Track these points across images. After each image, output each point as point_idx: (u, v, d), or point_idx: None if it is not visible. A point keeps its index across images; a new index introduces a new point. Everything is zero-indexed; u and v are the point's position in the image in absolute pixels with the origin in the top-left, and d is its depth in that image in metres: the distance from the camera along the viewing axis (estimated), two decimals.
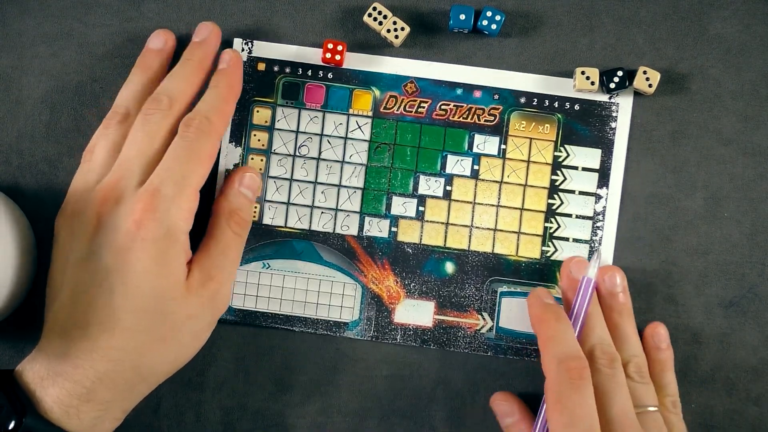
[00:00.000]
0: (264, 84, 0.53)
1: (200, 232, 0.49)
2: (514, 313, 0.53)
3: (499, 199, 0.53)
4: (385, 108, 0.54)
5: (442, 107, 0.53)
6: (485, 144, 0.53)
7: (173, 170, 0.46)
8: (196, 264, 0.48)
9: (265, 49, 0.53)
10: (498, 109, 0.53)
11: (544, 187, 0.54)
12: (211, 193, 0.53)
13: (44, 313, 0.47)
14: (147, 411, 0.53)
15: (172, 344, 0.46)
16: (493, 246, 0.53)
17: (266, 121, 0.54)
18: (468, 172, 0.54)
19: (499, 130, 0.53)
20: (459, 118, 0.53)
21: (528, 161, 0.54)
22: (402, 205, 0.54)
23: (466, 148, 0.54)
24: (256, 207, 0.53)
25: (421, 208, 0.54)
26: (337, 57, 0.52)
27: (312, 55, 0.54)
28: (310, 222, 0.54)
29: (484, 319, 0.53)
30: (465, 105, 0.53)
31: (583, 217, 0.53)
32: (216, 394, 0.53)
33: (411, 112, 0.54)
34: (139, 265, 0.45)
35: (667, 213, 0.53)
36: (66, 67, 0.54)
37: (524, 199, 0.54)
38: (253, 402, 0.53)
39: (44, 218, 0.53)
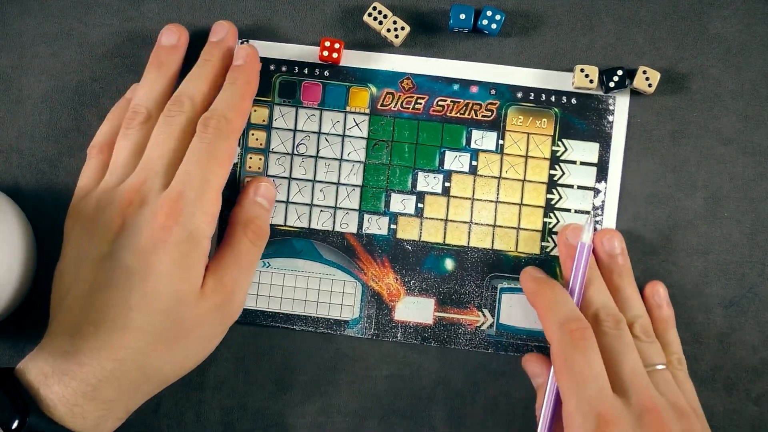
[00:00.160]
0: (261, 83, 0.53)
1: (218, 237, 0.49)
2: (515, 309, 0.53)
3: (497, 194, 0.54)
4: (382, 105, 0.54)
5: (439, 103, 0.54)
6: (483, 139, 0.54)
7: (194, 174, 0.46)
8: (210, 271, 0.48)
9: (261, 48, 0.53)
10: (495, 104, 0.53)
11: (543, 182, 0.54)
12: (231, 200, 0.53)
13: (51, 310, 0.47)
14: (147, 411, 0.53)
15: (180, 347, 0.46)
16: (493, 242, 0.53)
17: (264, 120, 0.54)
18: (466, 168, 0.54)
19: (497, 126, 0.54)
20: (456, 113, 0.53)
21: (526, 156, 0.54)
22: (401, 202, 0.54)
23: (464, 143, 0.54)
24: None
25: (420, 205, 0.54)
26: (335, 55, 0.52)
27: (308, 53, 0.54)
28: (310, 220, 0.54)
29: (484, 315, 0.53)
30: (462, 101, 0.53)
31: (582, 212, 0.53)
32: (216, 394, 0.53)
33: (408, 108, 0.54)
34: (160, 268, 0.45)
35: (667, 213, 0.53)
36: (66, 67, 0.54)
37: (523, 195, 0.54)
38: (253, 402, 0.53)
39: (44, 218, 0.53)
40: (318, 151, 0.54)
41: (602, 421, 0.43)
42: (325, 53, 0.52)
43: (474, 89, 0.54)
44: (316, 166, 0.54)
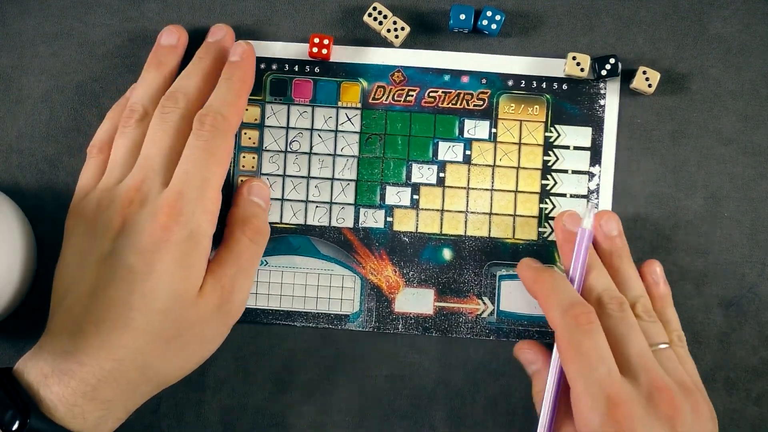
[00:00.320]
0: None
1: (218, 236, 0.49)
2: (515, 295, 0.53)
3: (492, 182, 0.54)
4: (373, 99, 0.54)
5: (431, 94, 0.54)
6: (476, 129, 0.54)
7: (194, 173, 0.47)
8: (209, 271, 0.48)
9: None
10: (486, 93, 0.54)
11: (537, 169, 0.54)
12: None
13: (50, 309, 0.47)
14: (147, 411, 0.53)
15: (179, 348, 0.46)
16: (490, 230, 0.54)
17: (256, 119, 0.54)
18: (460, 158, 0.54)
19: (489, 114, 0.54)
20: (448, 104, 0.54)
21: (519, 143, 0.54)
22: (396, 195, 0.54)
23: (457, 133, 0.54)
24: None
25: (415, 197, 0.54)
26: (324, 51, 0.52)
27: (298, 50, 0.54)
28: (306, 217, 0.54)
29: (484, 303, 0.53)
30: (453, 91, 0.54)
31: (578, 196, 0.53)
32: (216, 394, 0.53)
33: (400, 101, 0.54)
34: (162, 267, 0.45)
35: (667, 213, 0.53)
36: (66, 66, 0.54)
37: (518, 182, 0.54)
38: (253, 402, 0.53)
39: (44, 218, 0.53)
40: (311, 148, 0.54)
41: (612, 403, 0.43)
42: (315, 50, 0.52)
43: (465, 79, 0.54)
44: (310, 162, 0.54)
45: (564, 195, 0.53)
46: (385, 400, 0.53)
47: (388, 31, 0.53)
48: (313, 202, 0.54)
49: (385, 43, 0.54)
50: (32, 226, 0.53)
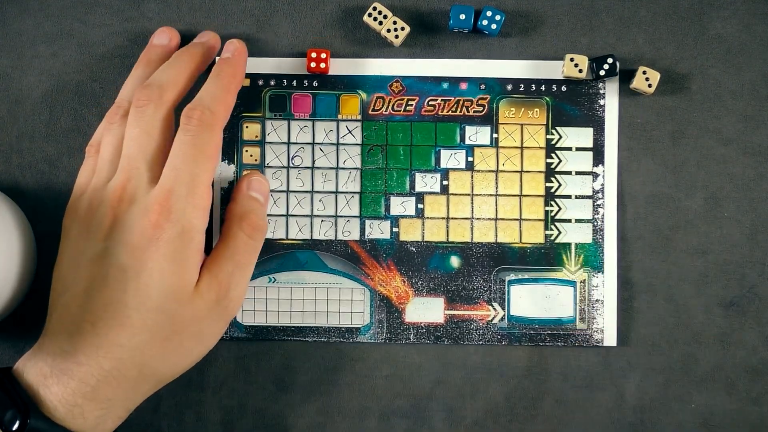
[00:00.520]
0: (251, 99, 0.53)
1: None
2: (525, 300, 0.53)
3: (496, 188, 0.54)
4: (373, 110, 0.54)
5: (430, 103, 0.54)
6: (477, 135, 0.54)
7: (182, 169, 0.46)
8: (205, 267, 0.47)
9: (249, 64, 0.53)
10: (486, 98, 0.54)
11: (541, 171, 0.54)
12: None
13: (48, 309, 0.47)
14: (147, 411, 0.53)
15: (176, 345, 0.46)
16: (496, 235, 0.54)
17: (256, 136, 0.54)
18: (463, 165, 0.54)
19: (490, 120, 0.54)
20: (448, 111, 0.54)
21: (521, 147, 0.54)
22: (401, 205, 0.54)
23: (459, 140, 0.54)
24: None
25: (420, 206, 0.54)
26: (322, 65, 0.52)
27: (296, 65, 0.54)
28: (311, 231, 0.54)
29: (494, 309, 0.53)
30: (452, 98, 0.54)
31: (583, 197, 0.53)
32: (216, 394, 0.53)
33: (399, 111, 0.54)
34: (154, 265, 0.45)
35: (667, 213, 0.53)
36: (66, 67, 0.54)
37: (522, 186, 0.54)
38: (253, 402, 0.53)
39: (44, 218, 0.53)
40: (314, 162, 0.54)
41: None
42: (313, 64, 0.52)
43: (463, 86, 0.54)
44: (313, 176, 0.54)
45: (569, 197, 0.53)
46: (385, 400, 0.53)
47: (388, 31, 0.53)
48: (318, 216, 0.54)
49: (384, 47, 0.54)
50: (32, 226, 0.53)
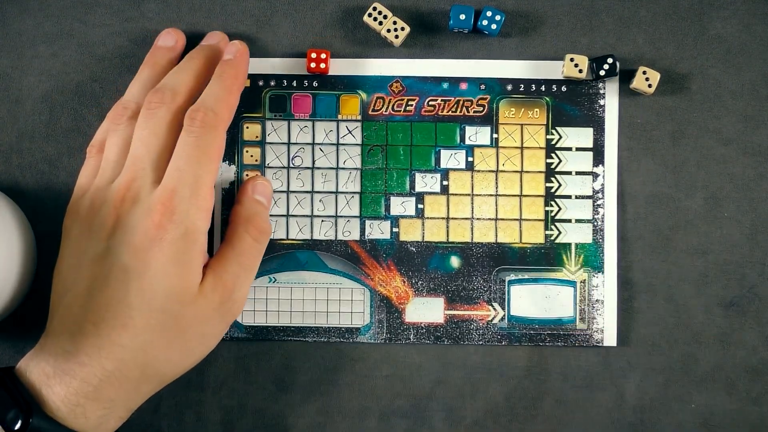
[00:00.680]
0: (251, 100, 0.53)
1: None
2: (525, 300, 0.53)
3: (496, 188, 0.54)
4: (373, 110, 0.54)
5: (430, 103, 0.54)
6: (477, 135, 0.54)
7: (186, 170, 0.46)
8: (210, 268, 0.48)
9: (249, 65, 0.53)
10: (486, 98, 0.54)
11: (541, 172, 0.54)
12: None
13: (50, 310, 0.47)
14: (147, 411, 0.53)
15: (179, 345, 0.46)
16: (496, 235, 0.54)
17: (257, 137, 0.54)
18: (463, 165, 0.54)
19: (490, 120, 0.54)
20: (448, 112, 0.54)
21: (521, 147, 0.54)
22: (401, 205, 0.54)
23: (459, 141, 0.54)
24: None
25: (420, 206, 0.54)
26: (322, 65, 0.52)
27: (295, 65, 0.54)
28: (312, 231, 0.54)
29: (494, 309, 0.53)
30: (452, 98, 0.54)
31: (583, 197, 0.53)
32: (216, 394, 0.53)
33: (399, 111, 0.54)
34: (156, 266, 0.45)
35: (667, 213, 0.53)
36: (66, 67, 0.54)
37: (522, 186, 0.54)
38: (253, 402, 0.53)
39: (44, 218, 0.53)
40: (314, 162, 0.54)
41: None
42: (313, 65, 0.52)
43: (463, 86, 0.54)
44: (313, 177, 0.54)
45: (569, 197, 0.53)
46: (385, 400, 0.53)
47: (388, 31, 0.53)
48: (318, 216, 0.54)
49: (384, 48, 0.54)
50: (32, 226, 0.53)
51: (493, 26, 0.52)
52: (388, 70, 0.54)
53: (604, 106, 0.53)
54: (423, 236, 0.54)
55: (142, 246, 0.45)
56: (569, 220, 0.53)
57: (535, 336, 0.53)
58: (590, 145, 0.54)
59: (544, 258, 0.53)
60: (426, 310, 0.53)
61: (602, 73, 0.52)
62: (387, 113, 0.54)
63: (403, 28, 0.53)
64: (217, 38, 0.53)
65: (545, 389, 0.53)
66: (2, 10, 0.54)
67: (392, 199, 0.54)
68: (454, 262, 0.54)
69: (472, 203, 0.54)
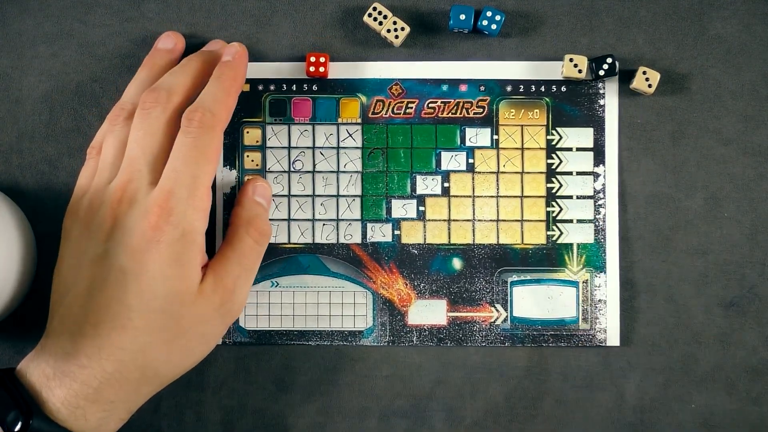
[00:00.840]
0: (251, 104, 0.54)
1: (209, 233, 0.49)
2: (527, 301, 0.53)
3: (497, 189, 0.54)
4: (373, 113, 0.54)
5: (430, 105, 0.54)
6: (477, 136, 0.54)
7: (183, 171, 0.46)
8: (211, 269, 0.47)
9: (249, 69, 0.53)
10: (485, 100, 0.54)
11: (542, 172, 0.54)
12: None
13: (50, 310, 0.47)
14: (147, 411, 0.53)
15: (179, 347, 0.46)
16: (498, 237, 0.54)
17: (257, 141, 0.54)
18: (463, 167, 0.54)
19: (490, 121, 0.54)
20: (448, 113, 0.54)
21: (522, 148, 0.54)
22: (402, 207, 0.54)
23: (459, 142, 0.54)
24: None
25: (421, 208, 0.54)
26: (322, 69, 0.52)
27: (295, 69, 0.54)
28: (313, 235, 0.54)
29: (497, 310, 0.53)
30: (452, 100, 0.54)
31: (584, 197, 0.53)
32: (216, 394, 0.53)
33: (399, 113, 0.54)
34: (154, 267, 0.45)
35: (667, 213, 0.53)
36: (66, 67, 0.54)
37: (523, 187, 0.54)
38: (253, 402, 0.53)
39: (44, 218, 0.53)
40: (314, 166, 0.54)
41: None
42: (312, 68, 0.52)
43: (463, 88, 0.54)
44: (314, 180, 0.54)
45: (570, 197, 0.53)
46: (385, 400, 0.53)
47: (388, 31, 0.53)
48: (319, 220, 0.54)
49: (384, 48, 0.54)
50: (32, 226, 0.53)
51: (493, 26, 0.52)
52: (387, 72, 0.54)
53: (604, 106, 0.53)
54: (425, 238, 0.54)
55: (140, 247, 0.45)
56: (571, 221, 0.53)
57: (538, 337, 0.53)
58: (591, 145, 0.54)
59: (546, 259, 0.53)
60: (429, 312, 0.53)
61: (601, 73, 0.52)
62: (387, 116, 0.54)
63: (403, 28, 0.53)
64: (218, 46, 0.53)
65: (545, 389, 0.53)
66: (2, 10, 0.54)
67: (393, 201, 0.54)
68: (456, 264, 0.54)
69: (474, 205, 0.54)
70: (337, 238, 0.54)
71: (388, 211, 0.54)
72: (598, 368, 0.53)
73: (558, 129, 0.54)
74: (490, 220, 0.54)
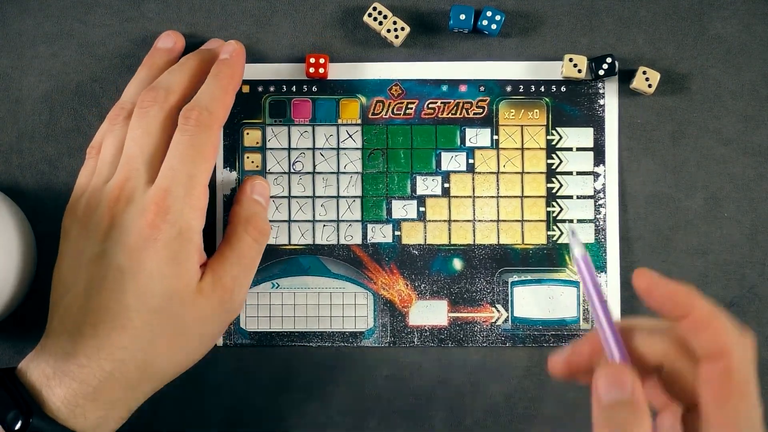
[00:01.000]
0: (250, 105, 0.54)
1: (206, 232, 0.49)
2: (528, 301, 0.53)
3: (498, 189, 0.54)
4: (373, 114, 0.54)
5: (430, 106, 0.54)
6: (477, 137, 0.54)
7: (179, 170, 0.46)
8: (210, 268, 0.47)
9: (248, 70, 0.53)
10: (485, 100, 0.54)
11: (542, 172, 0.54)
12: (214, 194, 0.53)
13: (50, 310, 0.47)
14: (147, 411, 0.53)
15: (178, 346, 0.46)
16: (498, 237, 0.54)
17: (257, 142, 0.54)
18: (464, 167, 0.54)
19: (490, 121, 0.54)
20: (448, 114, 0.54)
21: (522, 148, 0.54)
22: (402, 208, 0.54)
23: (459, 143, 0.54)
24: None
25: (421, 209, 0.54)
26: (321, 70, 0.53)
27: (295, 70, 0.54)
28: (314, 236, 0.54)
29: (498, 311, 0.53)
30: (452, 101, 0.54)
31: (584, 197, 0.53)
32: (216, 394, 0.53)
33: (399, 114, 0.54)
34: (152, 266, 0.45)
35: (667, 213, 0.53)
36: (66, 67, 0.54)
37: (523, 187, 0.54)
38: (253, 402, 0.53)
39: (44, 218, 0.53)
40: (314, 167, 0.54)
41: None
42: (312, 70, 0.53)
43: (463, 88, 0.54)
44: (314, 181, 0.54)
45: (570, 197, 0.54)
46: (385, 400, 0.53)
47: (388, 31, 0.53)
48: (320, 221, 0.54)
49: (384, 48, 0.54)
50: (32, 226, 0.53)
51: (493, 26, 0.52)
52: (387, 73, 0.54)
53: (604, 106, 0.53)
54: (425, 239, 0.54)
55: (137, 246, 0.45)
56: (571, 221, 0.53)
57: (539, 337, 0.53)
58: (591, 145, 0.54)
59: (547, 259, 0.53)
60: (429, 313, 0.53)
61: (601, 72, 0.52)
62: (387, 117, 0.54)
63: (403, 28, 0.53)
64: (216, 45, 0.53)
65: (545, 389, 0.53)
66: (2, 10, 0.54)
67: (394, 202, 0.54)
68: (457, 264, 0.54)
69: (474, 205, 0.54)
70: (338, 239, 0.54)
71: (389, 211, 0.54)
72: None
73: (558, 129, 0.54)
74: (491, 221, 0.54)
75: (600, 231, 0.53)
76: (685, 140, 0.54)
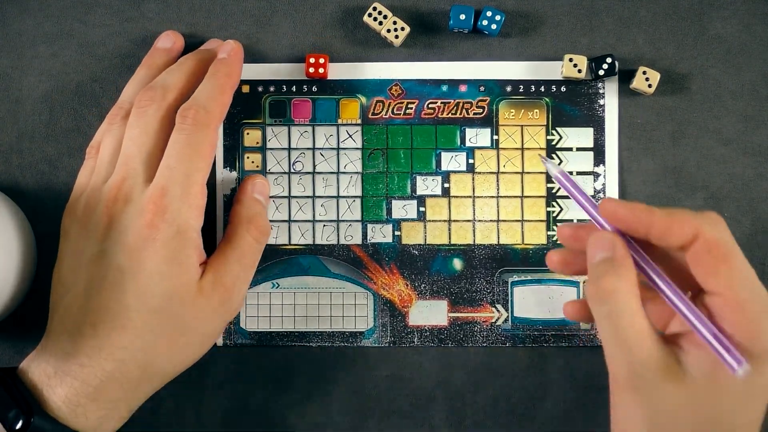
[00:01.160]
0: (250, 105, 0.54)
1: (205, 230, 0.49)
2: (528, 301, 0.53)
3: (498, 189, 0.54)
4: (373, 114, 0.54)
5: (430, 106, 0.54)
6: (477, 137, 0.54)
7: (177, 169, 0.46)
8: (210, 267, 0.47)
9: (248, 71, 0.53)
10: (485, 100, 0.54)
11: (542, 172, 0.54)
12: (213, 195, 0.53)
13: (50, 310, 0.47)
14: (147, 411, 0.53)
15: (179, 345, 0.46)
16: (498, 237, 0.54)
17: (257, 142, 0.54)
18: (464, 167, 0.54)
19: (490, 122, 0.54)
20: (448, 114, 0.54)
21: (522, 148, 0.54)
22: (402, 208, 0.54)
23: (459, 143, 0.54)
24: None
25: (421, 209, 0.54)
26: (321, 70, 0.53)
27: (295, 70, 0.54)
28: (314, 236, 0.54)
29: (498, 311, 0.53)
30: (452, 101, 0.54)
31: None
32: (216, 394, 0.53)
33: (399, 114, 0.54)
34: (151, 266, 0.45)
35: None
36: (66, 67, 0.54)
37: (523, 187, 0.54)
38: (253, 402, 0.53)
39: (44, 218, 0.53)
40: (314, 167, 0.54)
41: None
42: (312, 70, 0.53)
43: (463, 88, 0.54)
44: (314, 181, 0.54)
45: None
46: (385, 400, 0.53)
47: (388, 31, 0.53)
48: (320, 221, 0.54)
49: (384, 48, 0.54)
50: (32, 226, 0.53)
51: (493, 26, 0.52)
52: (387, 73, 0.54)
53: (603, 106, 0.53)
54: (425, 239, 0.54)
55: (136, 246, 0.45)
56: (571, 221, 0.53)
57: (539, 337, 0.53)
58: (591, 145, 0.54)
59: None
60: (429, 312, 0.53)
61: (601, 72, 0.52)
62: (387, 117, 0.54)
63: (403, 28, 0.53)
64: (215, 45, 0.53)
65: (545, 389, 0.53)
66: (2, 10, 0.54)
67: (394, 202, 0.54)
68: (457, 264, 0.54)
69: (474, 205, 0.54)
70: (338, 239, 0.54)
71: (389, 211, 0.54)
72: (598, 368, 0.53)
73: (558, 129, 0.54)
74: (491, 221, 0.54)
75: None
76: (685, 140, 0.54)
